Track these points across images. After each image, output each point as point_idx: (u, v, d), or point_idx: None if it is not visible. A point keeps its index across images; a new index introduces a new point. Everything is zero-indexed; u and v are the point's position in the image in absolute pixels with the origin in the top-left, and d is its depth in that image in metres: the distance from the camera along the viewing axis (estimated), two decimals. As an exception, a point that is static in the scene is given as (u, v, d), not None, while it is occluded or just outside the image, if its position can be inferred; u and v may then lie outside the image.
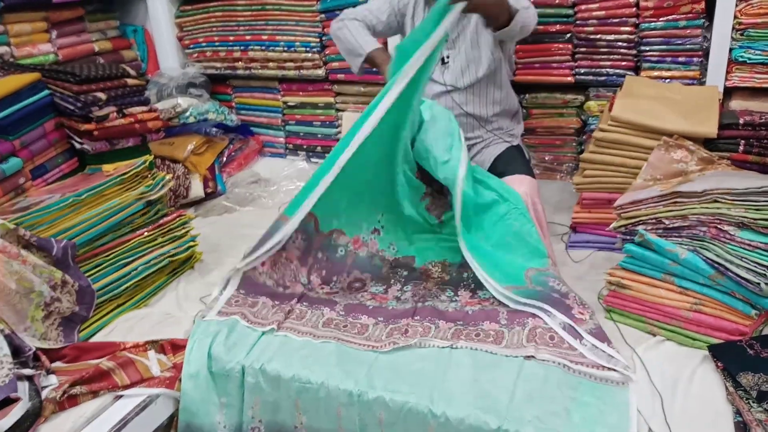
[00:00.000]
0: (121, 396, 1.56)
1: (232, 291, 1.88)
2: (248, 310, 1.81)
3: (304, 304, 1.87)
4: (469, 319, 1.74)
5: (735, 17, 2.05)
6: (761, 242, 1.53)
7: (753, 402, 1.36)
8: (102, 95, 2.24)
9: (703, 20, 2.13)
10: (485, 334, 1.66)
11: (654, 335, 1.69)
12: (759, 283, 1.49)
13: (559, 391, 1.45)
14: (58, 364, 1.65)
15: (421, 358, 1.59)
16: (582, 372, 1.51)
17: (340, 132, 3.08)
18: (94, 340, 1.80)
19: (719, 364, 1.51)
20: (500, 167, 2.15)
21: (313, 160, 3.21)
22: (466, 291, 1.91)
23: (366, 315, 1.81)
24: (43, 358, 1.62)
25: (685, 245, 1.63)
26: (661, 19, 2.17)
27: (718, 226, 1.60)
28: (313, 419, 1.58)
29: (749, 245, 1.55)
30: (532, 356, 1.55)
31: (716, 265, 1.56)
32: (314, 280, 2.00)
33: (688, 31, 2.15)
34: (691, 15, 2.13)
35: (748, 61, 2.06)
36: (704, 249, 1.60)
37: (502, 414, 1.40)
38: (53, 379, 1.57)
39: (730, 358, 1.50)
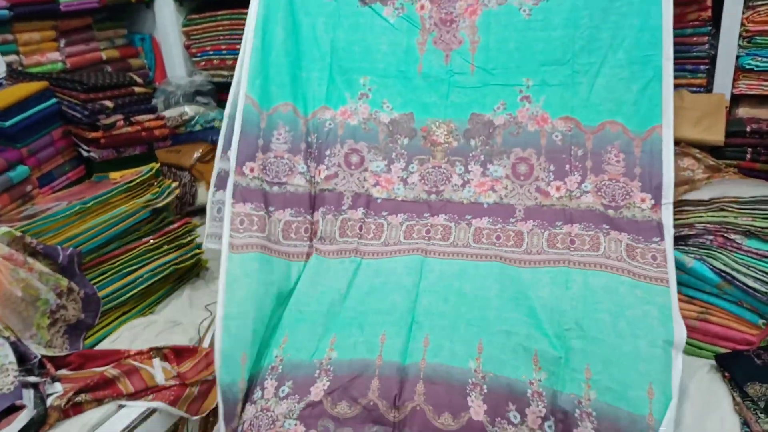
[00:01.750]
0: (124, 405, 1.56)
1: (230, 210, 1.76)
2: (262, 238, 1.73)
3: (319, 210, 1.87)
4: (484, 213, 1.78)
5: (742, 24, 2.04)
6: (768, 251, 1.53)
7: (761, 413, 1.35)
8: (109, 103, 2.25)
9: (710, 28, 2.12)
10: (505, 236, 1.74)
11: (660, 345, 1.67)
12: (767, 293, 1.48)
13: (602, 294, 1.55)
14: (63, 371, 1.66)
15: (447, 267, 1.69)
16: (612, 267, 1.59)
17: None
18: (99, 347, 1.80)
19: (726, 373, 1.50)
20: None
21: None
22: (477, 165, 1.86)
23: (377, 211, 1.84)
24: (49, 365, 1.62)
25: (692, 254, 1.63)
26: (667, 26, 2.16)
27: (725, 235, 1.60)
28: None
29: (757, 254, 1.54)
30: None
31: (723, 274, 1.56)
32: (310, 165, 1.92)
33: (695, 39, 2.13)
34: (697, 23, 2.12)
35: (755, 69, 2.04)
36: (711, 258, 1.59)
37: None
38: (58, 387, 1.56)
39: (738, 367, 1.49)
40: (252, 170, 1.84)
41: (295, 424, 1.44)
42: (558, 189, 1.77)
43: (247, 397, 1.55)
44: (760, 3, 2.00)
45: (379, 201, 1.86)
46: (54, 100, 2.23)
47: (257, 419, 1.49)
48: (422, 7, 1.96)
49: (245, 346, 1.57)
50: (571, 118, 1.82)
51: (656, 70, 1.75)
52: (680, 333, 1.46)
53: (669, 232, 1.62)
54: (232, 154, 1.86)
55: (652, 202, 1.68)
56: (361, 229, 1.82)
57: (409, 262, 1.73)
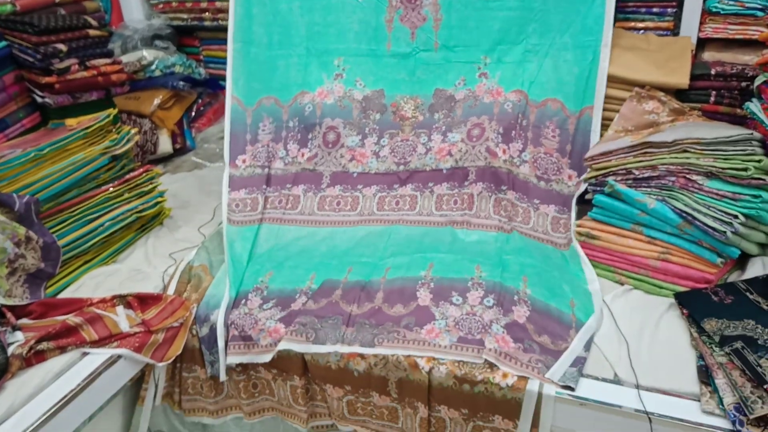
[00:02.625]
0: (88, 352, 1.55)
1: (227, 197, 2.08)
2: (254, 214, 2.04)
3: (300, 186, 2.11)
4: (443, 179, 2.02)
5: (709, -33, 2.03)
6: (728, 191, 1.55)
7: (716, 346, 1.39)
8: (63, 47, 2.17)
9: (678, -31, 2.11)
10: (461, 199, 1.99)
11: (622, 284, 1.71)
12: (725, 232, 1.52)
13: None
14: (24, 320, 1.63)
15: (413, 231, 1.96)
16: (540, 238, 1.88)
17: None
18: (61, 296, 1.77)
19: (685, 311, 1.54)
20: None
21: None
22: (439, 135, 2.07)
23: (353, 186, 2.06)
24: (9, 314, 1.59)
25: (654, 195, 1.65)
26: (635, -31, 2.14)
27: (687, 176, 1.62)
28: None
29: (717, 194, 1.57)
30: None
31: (684, 214, 1.58)
32: (292, 148, 2.15)
33: (663, -20, 2.12)
34: (666, -36, 2.10)
35: (721, 12, 2.03)
36: (673, 199, 1.62)
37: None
38: (19, 336, 1.54)
39: (696, 305, 1.53)
40: (244, 161, 2.15)
41: (275, 324, 1.62)
42: (504, 152, 1.97)
43: (233, 305, 1.72)
44: (727, -56, 1.99)
45: (354, 175, 2.06)
46: (4, 43, 2.15)
47: (241, 320, 1.65)
48: None
49: (237, 279, 1.80)
50: (522, 92, 2.02)
51: (595, 54, 1.95)
52: (591, 275, 1.70)
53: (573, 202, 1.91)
54: (225, 150, 2.16)
55: (577, 179, 1.92)
56: (338, 204, 2.06)
57: (381, 230, 1.98)
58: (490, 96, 2.04)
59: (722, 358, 1.36)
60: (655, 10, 2.17)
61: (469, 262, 1.76)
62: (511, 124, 2.01)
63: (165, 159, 2.74)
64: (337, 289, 1.69)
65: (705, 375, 1.37)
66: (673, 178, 1.64)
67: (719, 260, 1.58)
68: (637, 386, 1.37)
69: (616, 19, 2.23)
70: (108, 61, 2.32)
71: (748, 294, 1.52)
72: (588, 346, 1.48)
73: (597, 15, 1.94)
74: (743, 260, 1.65)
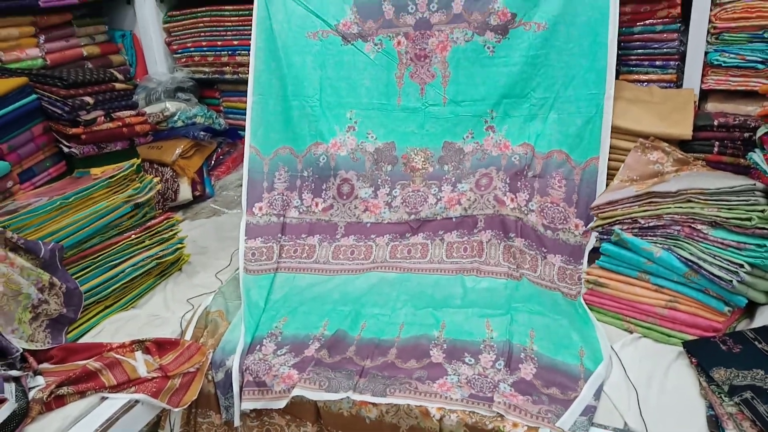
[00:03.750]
0: (107, 397, 1.58)
1: (244, 246, 2.15)
2: (270, 263, 2.11)
3: (316, 237, 2.18)
4: (453, 227, 2.09)
5: (710, 21, 2.09)
6: (733, 240, 1.58)
7: (725, 396, 1.40)
8: (90, 99, 2.26)
9: (680, 24, 2.17)
10: (470, 247, 2.05)
11: (631, 332, 1.72)
12: (731, 281, 1.53)
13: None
14: (45, 365, 1.67)
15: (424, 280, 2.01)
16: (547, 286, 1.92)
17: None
18: (81, 341, 1.81)
19: (693, 359, 1.55)
20: None
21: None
22: (448, 186, 2.14)
23: (367, 235, 2.13)
24: (31, 359, 1.63)
25: (660, 244, 1.67)
26: (638, 23, 2.21)
27: (692, 225, 1.65)
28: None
29: (722, 244, 1.59)
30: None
31: (690, 263, 1.60)
32: (306, 197, 2.21)
33: (665, 35, 2.19)
34: (667, 19, 2.17)
35: (723, 65, 2.09)
36: (678, 248, 1.64)
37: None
38: (40, 380, 1.58)
39: (704, 353, 1.54)
40: (261, 209, 2.24)
41: (289, 370, 1.65)
42: (512, 200, 2.03)
43: (248, 350, 1.76)
44: (727, 1, 2.06)
45: (368, 225, 2.13)
46: (34, 96, 2.23)
47: (255, 365, 1.69)
48: (399, 43, 2.21)
49: (252, 326, 1.85)
50: (528, 144, 2.09)
51: (599, 107, 2.01)
52: (601, 334, 1.71)
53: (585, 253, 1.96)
54: (243, 198, 2.27)
55: (584, 228, 1.98)
56: (352, 253, 2.12)
57: (392, 277, 2.04)
58: (498, 149, 2.12)
59: (732, 408, 1.37)
60: (658, 63, 2.23)
61: (479, 317, 1.79)
62: (518, 174, 2.08)
63: (184, 206, 2.82)
64: (351, 345, 1.72)
65: (715, 425, 1.37)
66: (678, 228, 1.67)
67: (726, 309, 1.60)
68: (647, 435, 1.38)
69: (619, 72, 2.30)
70: (133, 112, 2.41)
71: (756, 343, 1.52)
72: (598, 394, 1.49)
73: (599, 68, 2.01)
74: (751, 309, 1.66)
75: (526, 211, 2.05)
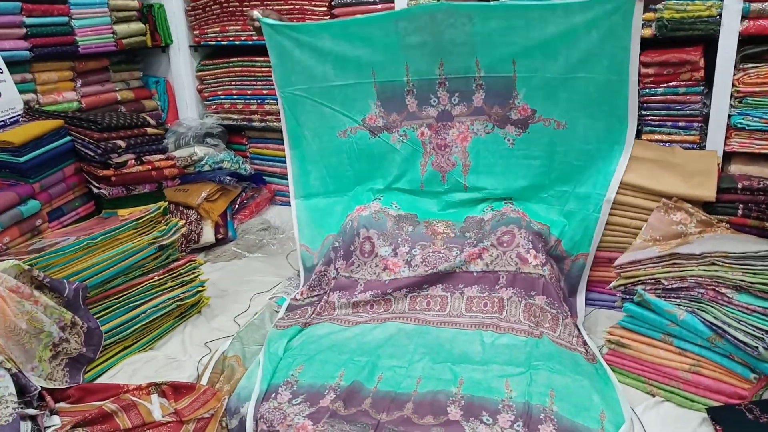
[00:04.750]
0: (121, 439, 1.58)
1: (281, 315, 2.19)
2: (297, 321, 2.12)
3: (336, 293, 2.19)
4: (474, 281, 2.08)
5: (733, 85, 2.12)
6: (759, 306, 1.55)
7: (751, 467, 1.36)
8: (122, 143, 2.31)
9: (702, 87, 2.20)
10: (491, 303, 2.03)
11: (653, 396, 1.69)
12: (757, 347, 1.50)
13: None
14: (62, 404, 1.67)
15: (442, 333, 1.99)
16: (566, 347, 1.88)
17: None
18: (98, 381, 1.82)
19: (718, 427, 1.50)
20: None
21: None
22: (470, 247, 2.13)
23: (384, 290, 2.13)
24: (48, 398, 1.64)
25: (684, 306, 1.65)
26: (661, 85, 2.24)
27: (716, 289, 1.63)
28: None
29: (747, 308, 1.57)
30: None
31: (714, 327, 1.58)
32: (340, 265, 2.26)
33: (688, 98, 2.21)
34: (690, 82, 2.20)
35: (746, 128, 2.11)
36: (702, 311, 1.62)
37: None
38: (56, 420, 1.58)
39: (729, 421, 1.50)
40: (302, 293, 2.30)
41: (303, 420, 1.63)
42: (535, 257, 2.04)
43: (263, 398, 1.74)
44: (750, 66, 2.08)
45: (386, 282, 2.14)
46: (68, 138, 2.30)
47: (270, 414, 1.67)
48: (422, 134, 2.29)
49: (269, 374, 1.83)
50: (544, 225, 2.15)
51: (596, 206, 2.10)
52: (621, 393, 1.69)
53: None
54: (295, 288, 2.39)
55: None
56: (371, 307, 2.14)
57: (410, 329, 2.02)
58: (516, 214, 2.15)
59: (759, 479, 1.33)
60: (681, 124, 2.25)
61: (498, 377, 1.75)
62: (539, 238, 2.10)
63: (207, 248, 2.85)
64: (367, 397, 1.70)
65: (740, 497, 1.33)
66: (702, 290, 1.65)
67: (752, 376, 1.56)
68: (670, 506, 1.34)
69: (641, 132, 2.33)
70: (162, 156, 2.46)
71: (783, 413, 1.49)
72: None
73: (609, 171, 2.07)
74: (778, 376, 1.63)
75: (548, 270, 2.05)
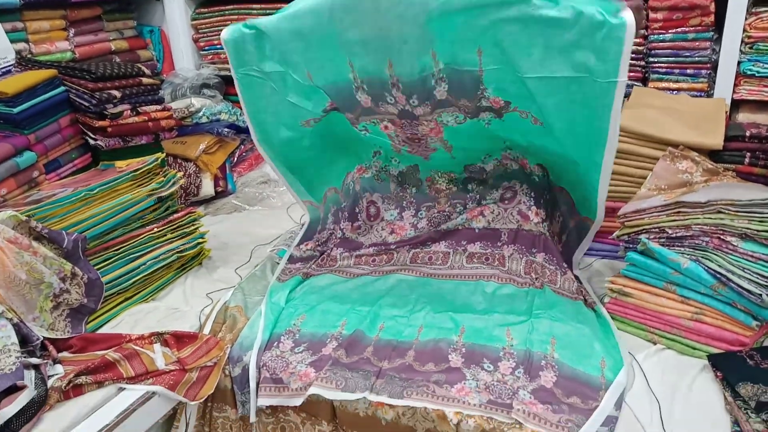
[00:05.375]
0: (124, 388, 1.59)
1: (282, 267, 2.15)
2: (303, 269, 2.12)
3: (339, 249, 2.18)
4: (476, 238, 2.08)
5: (744, 31, 2.06)
6: (764, 254, 1.54)
7: (751, 412, 1.37)
8: (117, 93, 2.28)
9: (713, 33, 2.14)
10: (492, 257, 2.04)
11: (654, 343, 1.69)
12: (761, 294, 1.50)
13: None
14: (64, 354, 1.68)
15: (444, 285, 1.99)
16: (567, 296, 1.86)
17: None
18: (101, 332, 1.82)
19: (719, 373, 1.51)
20: None
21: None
22: (473, 203, 2.14)
23: (388, 247, 2.14)
24: (50, 347, 1.64)
25: (688, 255, 1.64)
26: (670, 31, 2.18)
27: (721, 237, 1.61)
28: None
29: (752, 256, 1.55)
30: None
31: (718, 275, 1.57)
32: (345, 226, 2.26)
33: (697, 44, 2.16)
34: (700, 27, 2.14)
35: (756, 75, 2.06)
36: (706, 259, 1.61)
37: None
38: (59, 369, 1.59)
39: (730, 368, 1.50)
40: (307, 245, 2.24)
41: (306, 368, 1.65)
42: (536, 215, 1.99)
43: (266, 347, 1.75)
44: (762, 10, 2.02)
45: (392, 245, 2.14)
46: (62, 88, 2.26)
47: (272, 362, 1.69)
48: (386, 128, 2.02)
49: (271, 323, 1.84)
50: (544, 167, 2.02)
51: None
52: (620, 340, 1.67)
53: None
54: (296, 238, 2.28)
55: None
56: (373, 261, 2.14)
57: (412, 280, 2.02)
58: (517, 164, 2.08)
59: (759, 425, 1.33)
60: (689, 71, 2.21)
61: (499, 326, 1.74)
62: (540, 192, 2.06)
63: (206, 201, 2.84)
64: (369, 346, 1.71)
65: (740, 441, 1.34)
66: (707, 239, 1.63)
67: (754, 323, 1.56)
68: (669, 449, 1.35)
69: (648, 79, 2.28)
70: (158, 107, 2.43)
71: (785, 359, 1.49)
72: (619, 404, 1.47)
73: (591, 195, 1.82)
74: (780, 324, 1.63)
75: (547, 226, 2.03)
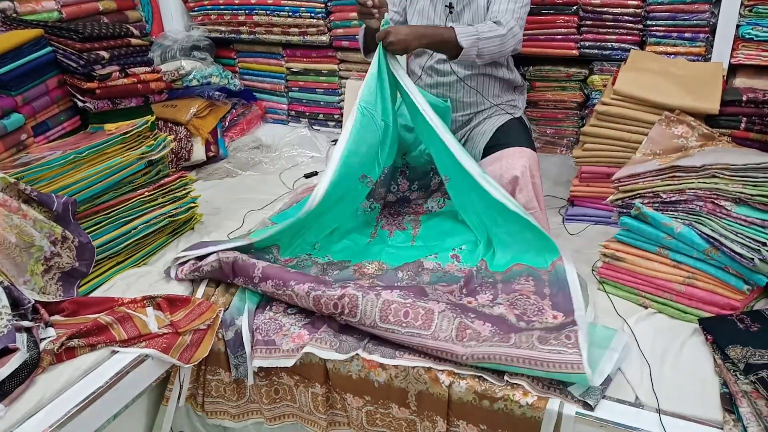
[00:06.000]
0: (117, 351, 1.59)
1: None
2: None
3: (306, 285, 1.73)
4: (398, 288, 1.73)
5: (744, -7, 2.03)
6: (757, 218, 1.54)
7: (740, 374, 1.38)
8: (105, 54, 2.23)
9: (712, -5, 2.11)
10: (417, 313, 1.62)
11: (646, 307, 1.70)
12: (753, 259, 1.50)
13: None
14: (56, 317, 1.68)
15: None
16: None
17: (342, 100, 3.07)
18: (93, 295, 1.82)
19: (709, 337, 1.53)
20: (501, 138, 2.15)
21: (315, 127, 3.20)
22: (397, 291, 1.69)
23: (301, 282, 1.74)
24: (42, 311, 1.64)
25: (681, 219, 1.64)
26: (668, -7, 2.15)
27: (715, 201, 1.61)
28: None
29: (745, 221, 1.56)
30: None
31: (711, 239, 1.57)
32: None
33: (696, 6, 2.12)
34: (699, -10, 2.11)
35: (755, 39, 2.04)
36: (700, 223, 1.61)
37: None
38: (52, 332, 1.59)
39: (720, 331, 1.52)
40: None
41: (300, 330, 1.67)
42: (470, 303, 1.75)
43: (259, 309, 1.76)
44: (763, -29, 1.99)
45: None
46: (49, 48, 2.21)
47: (266, 324, 1.70)
48: (381, 213, 2.28)
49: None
50: (483, 261, 1.94)
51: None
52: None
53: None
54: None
55: (563, 317, 1.63)
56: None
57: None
58: (461, 273, 1.91)
59: (747, 386, 1.35)
60: (686, 35, 2.17)
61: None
62: (476, 282, 1.85)
63: (198, 166, 2.81)
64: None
65: (729, 402, 1.35)
66: (700, 203, 1.63)
67: (746, 287, 1.57)
68: (659, 411, 1.37)
69: (646, 43, 2.25)
70: (148, 69, 2.38)
71: (774, 322, 1.50)
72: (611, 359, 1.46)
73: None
74: (770, 288, 1.64)
75: (492, 305, 1.73)
